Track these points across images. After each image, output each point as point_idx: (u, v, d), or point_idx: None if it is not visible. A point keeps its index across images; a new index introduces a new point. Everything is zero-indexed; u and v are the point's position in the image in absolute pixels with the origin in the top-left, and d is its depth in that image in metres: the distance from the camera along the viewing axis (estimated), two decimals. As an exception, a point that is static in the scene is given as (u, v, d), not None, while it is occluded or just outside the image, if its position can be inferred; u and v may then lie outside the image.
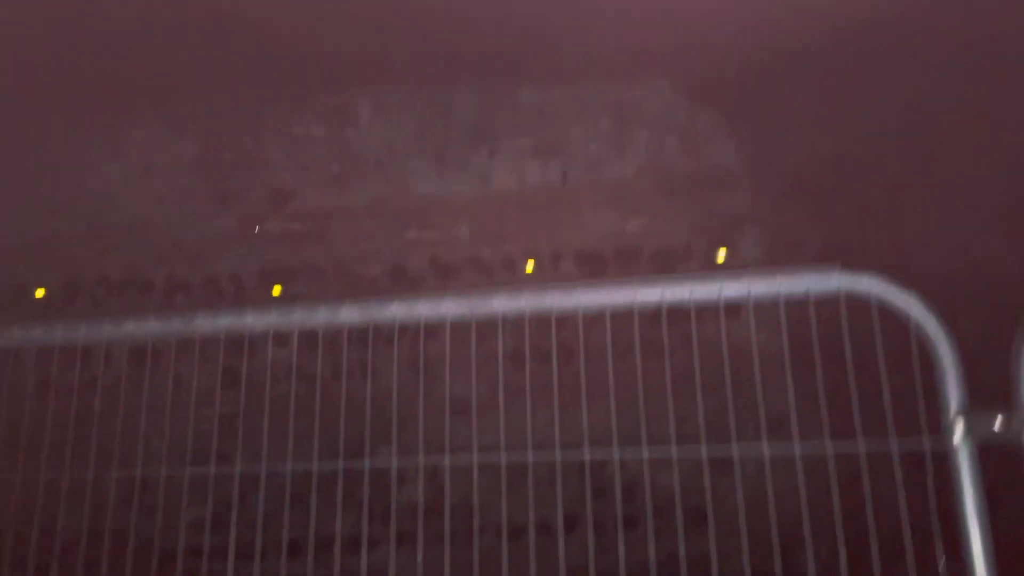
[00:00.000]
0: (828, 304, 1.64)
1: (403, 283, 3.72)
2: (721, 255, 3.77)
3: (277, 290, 3.75)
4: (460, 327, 3.12)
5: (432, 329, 3.32)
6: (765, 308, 2.53)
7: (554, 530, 2.80)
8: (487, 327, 3.32)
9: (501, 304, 1.78)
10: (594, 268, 3.63)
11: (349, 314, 1.89)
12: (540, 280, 3.70)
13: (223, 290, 3.73)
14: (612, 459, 1.84)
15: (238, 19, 3.91)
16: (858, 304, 1.70)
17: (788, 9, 4.05)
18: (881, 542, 1.52)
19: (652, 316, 2.50)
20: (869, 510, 1.54)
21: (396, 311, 1.83)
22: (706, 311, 2.18)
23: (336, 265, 3.81)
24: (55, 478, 2.81)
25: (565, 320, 2.31)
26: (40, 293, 3.62)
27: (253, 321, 1.93)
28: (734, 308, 3.52)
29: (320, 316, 1.90)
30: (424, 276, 3.79)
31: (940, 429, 1.52)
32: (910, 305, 1.57)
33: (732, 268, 3.72)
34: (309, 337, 3.78)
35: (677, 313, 2.19)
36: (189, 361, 3.75)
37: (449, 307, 1.81)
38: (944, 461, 1.53)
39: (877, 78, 4.46)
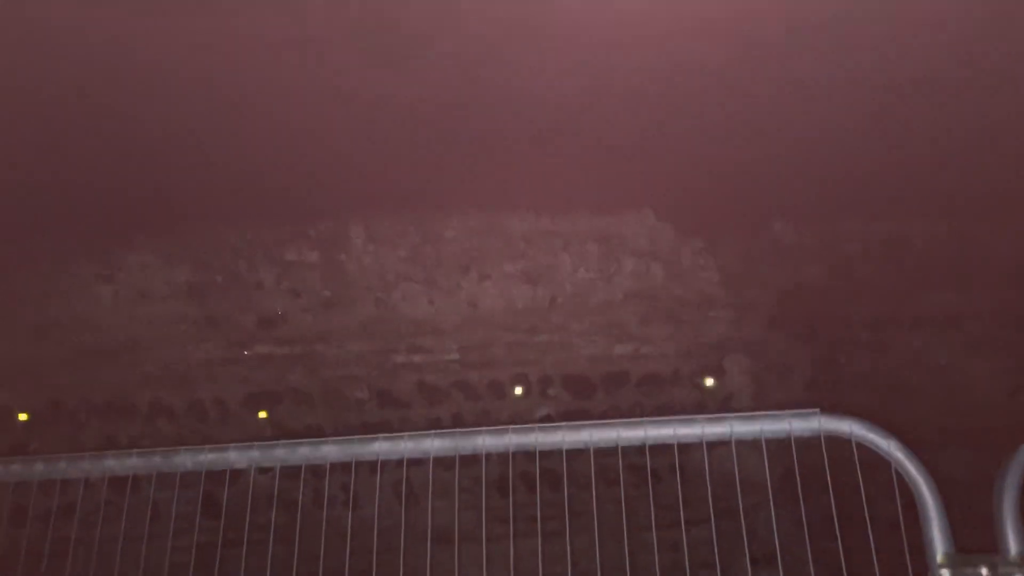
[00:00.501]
0: (810, 444, 1.65)
1: (390, 407, 3.70)
2: (708, 382, 3.78)
3: (263, 415, 3.72)
4: (444, 458, 3.08)
5: (416, 459, 3.28)
6: (749, 442, 2.52)
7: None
8: (471, 457, 3.28)
9: (485, 442, 1.77)
10: (582, 392, 3.63)
11: (331, 450, 1.87)
12: (528, 403, 3.69)
13: (207, 414, 3.69)
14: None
15: (233, 146, 4.06)
16: (839, 442, 1.70)
17: (769, 138, 4.24)
18: None
19: (638, 449, 2.48)
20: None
21: (379, 448, 1.82)
22: (692, 445, 2.17)
23: (323, 389, 3.80)
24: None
25: (550, 453, 2.29)
26: (23, 417, 3.58)
27: (235, 457, 1.90)
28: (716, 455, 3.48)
29: (302, 452, 1.88)
30: (411, 400, 3.78)
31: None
32: (891, 448, 1.57)
33: (718, 395, 3.74)
34: (292, 465, 3.71)
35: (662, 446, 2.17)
36: (169, 488, 3.67)
37: (433, 444, 1.80)
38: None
39: (858, 209, 4.61)
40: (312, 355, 3.85)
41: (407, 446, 1.82)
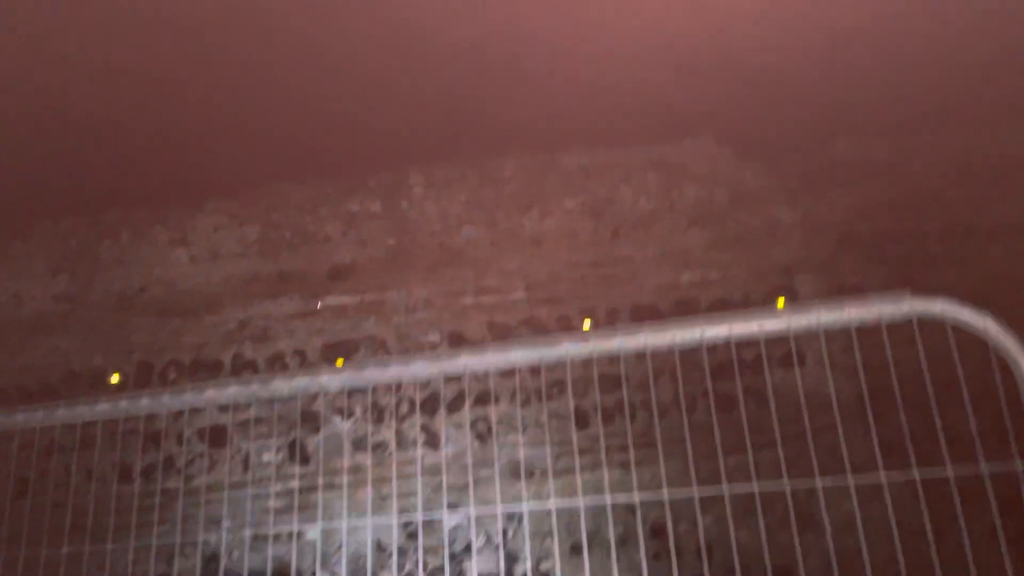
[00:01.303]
0: (901, 331, 1.62)
1: (463, 348, 3.77)
2: (781, 302, 3.73)
3: (340, 363, 3.83)
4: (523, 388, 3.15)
5: (496, 389, 3.35)
6: (833, 353, 2.51)
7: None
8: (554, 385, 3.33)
9: (569, 349, 1.79)
10: (652, 320, 3.63)
11: (420, 368, 1.92)
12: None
13: (288, 365, 3.82)
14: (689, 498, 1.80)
15: (288, 105, 4.14)
16: (931, 330, 1.67)
17: (827, 54, 4.12)
18: (979, 567, 1.46)
19: (722, 364, 2.49)
20: (965, 538, 1.49)
21: (466, 362, 1.87)
22: (773, 359, 2.15)
23: (396, 335, 3.88)
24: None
25: (632, 370, 2.32)
26: (115, 379, 3.75)
27: (327, 381, 1.97)
28: (801, 355, 3.47)
29: (392, 372, 1.94)
30: (483, 340, 3.83)
31: (1031, 451, 1.48)
32: (987, 325, 1.55)
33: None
34: (372, 409, 3.83)
35: (745, 363, 2.16)
36: (258, 437, 3.82)
37: (518, 355, 1.84)
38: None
39: (926, 122, 4.45)
40: (383, 303, 3.94)
41: (492, 360, 1.86)
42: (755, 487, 1.69)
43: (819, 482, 1.66)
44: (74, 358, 3.88)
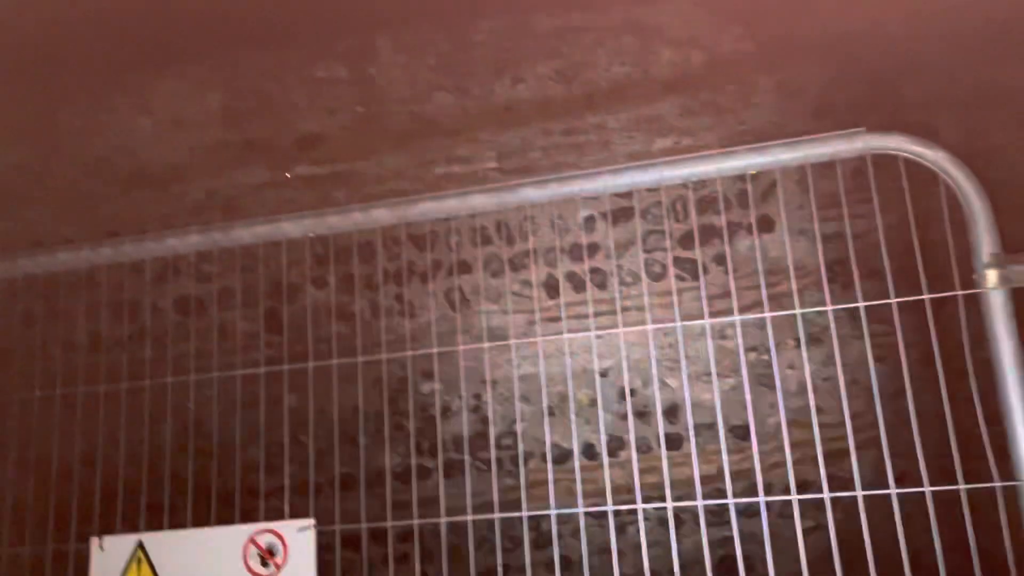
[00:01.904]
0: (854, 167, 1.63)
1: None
2: (753, 171, 3.72)
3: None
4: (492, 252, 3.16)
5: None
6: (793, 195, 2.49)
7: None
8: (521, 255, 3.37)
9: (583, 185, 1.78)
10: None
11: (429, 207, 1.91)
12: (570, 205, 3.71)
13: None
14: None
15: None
16: (884, 164, 1.68)
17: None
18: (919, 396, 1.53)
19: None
20: (905, 365, 1.55)
21: (477, 201, 1.86)
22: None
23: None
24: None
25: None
26: (85, 249, 3.71)
27: (290, 228, 1.97)
28: (767, 221, 3.50)
29: (355, 217, 1.93)
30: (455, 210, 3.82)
31: (972, 284, 1.52)
32: (939, 159, 1.55)
33: (763, 182, 3.68)
34: (346, 280, 3.85)
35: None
36: (231, 309, 3.85)
37: (529, 192, 1.83)
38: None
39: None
40: (353, 172, 3.89)
41: (480, 201, 1.85)
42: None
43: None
44: (40, 229, 3.85)
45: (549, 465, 3.22)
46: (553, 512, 3.02)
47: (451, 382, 3.66)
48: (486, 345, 3.63)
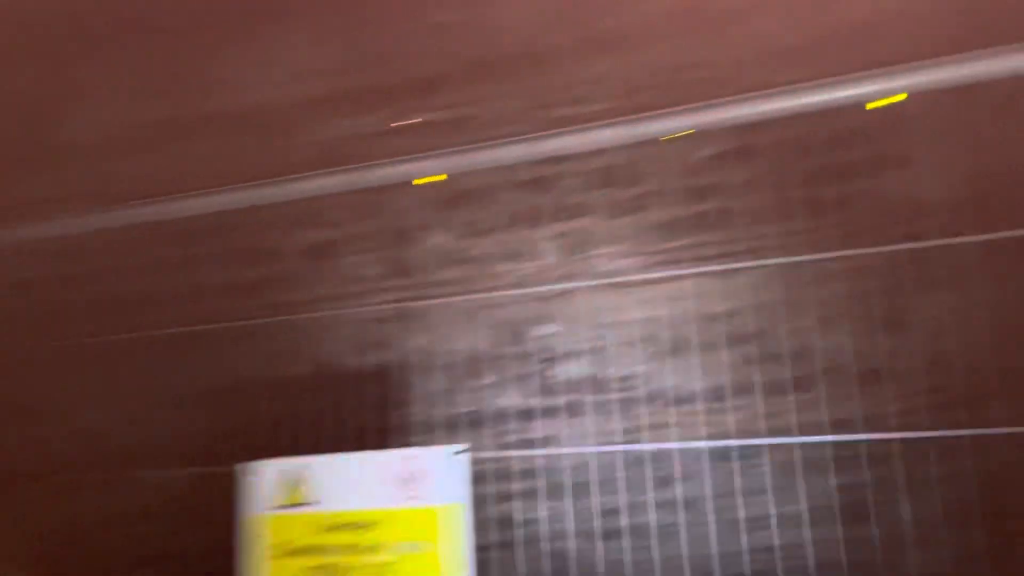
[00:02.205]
0: None
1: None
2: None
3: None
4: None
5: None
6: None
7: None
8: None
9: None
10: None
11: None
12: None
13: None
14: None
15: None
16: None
17: None
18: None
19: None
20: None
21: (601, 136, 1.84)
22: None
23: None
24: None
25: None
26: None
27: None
28: (902, 157, 3.30)
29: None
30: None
31: None
32: None
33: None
34: (467, 223, 3.87)
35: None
36: (357, 254, 3.97)
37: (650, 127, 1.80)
38: None
39: None
40: (467, 118, 3.92)
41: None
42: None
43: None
44: (169, 178, 4.07)
45: (671, 405, 3.24)
46: (676, 446, 3.04)
47: (570, 324, 3.68)
48: (604, 283, 3.63)
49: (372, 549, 2.59)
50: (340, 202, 3.90)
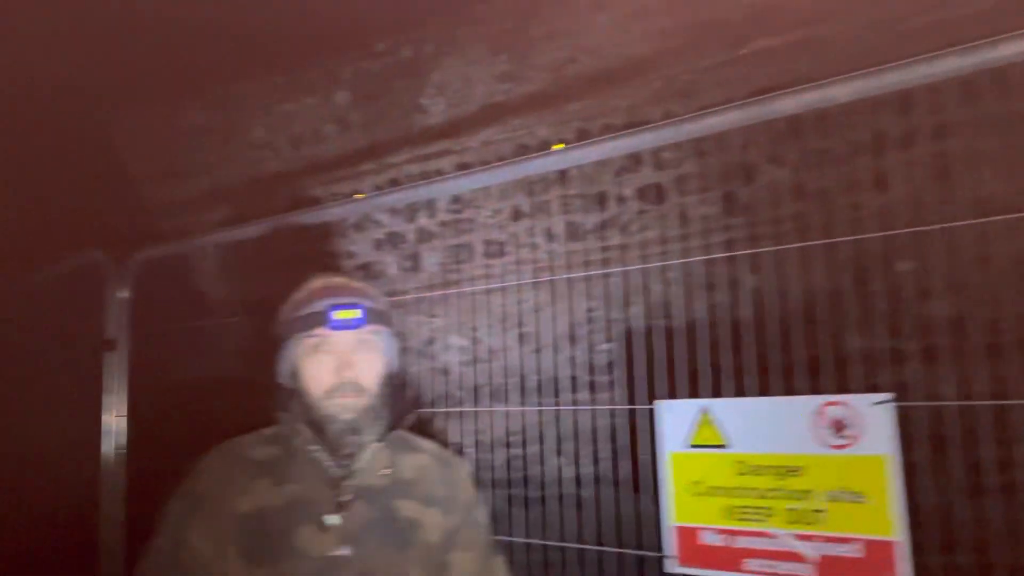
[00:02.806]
0: None
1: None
2: None
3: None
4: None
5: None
6: None
7: None
8: None
9: None
10: None
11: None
12: None
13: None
14: None
15: None
16: None
17: None
18: None
19: None
20: None
21: None
22: None
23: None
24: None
25: None
26: (559, 147, 4.06)
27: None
28: None
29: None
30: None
31: None
32: None
33: None
34: (806, 156, 3.63)
35: None
36: (689, 194, 3.93)
37: None
38: None
39: None
40: (814, 40, 3.65)
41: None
42: None
43: None
44: (522, 132, 4.33)
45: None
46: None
47: (928, 261, 3.32)
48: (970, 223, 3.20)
49: (800, 495, 2.54)
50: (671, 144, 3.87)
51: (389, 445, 2.16)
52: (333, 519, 1.96)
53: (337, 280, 2.18)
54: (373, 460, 2.10)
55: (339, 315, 2.00)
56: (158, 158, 5.86)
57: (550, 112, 4.27)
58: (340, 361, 2.01)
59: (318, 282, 2.18)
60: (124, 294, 4.41)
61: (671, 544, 2.85)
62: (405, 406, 2.23)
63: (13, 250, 5.40)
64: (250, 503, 1.98)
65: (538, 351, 4.25)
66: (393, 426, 2.17)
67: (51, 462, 4.83)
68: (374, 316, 2.11)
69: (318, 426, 2.03)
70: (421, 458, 2.21)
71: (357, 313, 2.03)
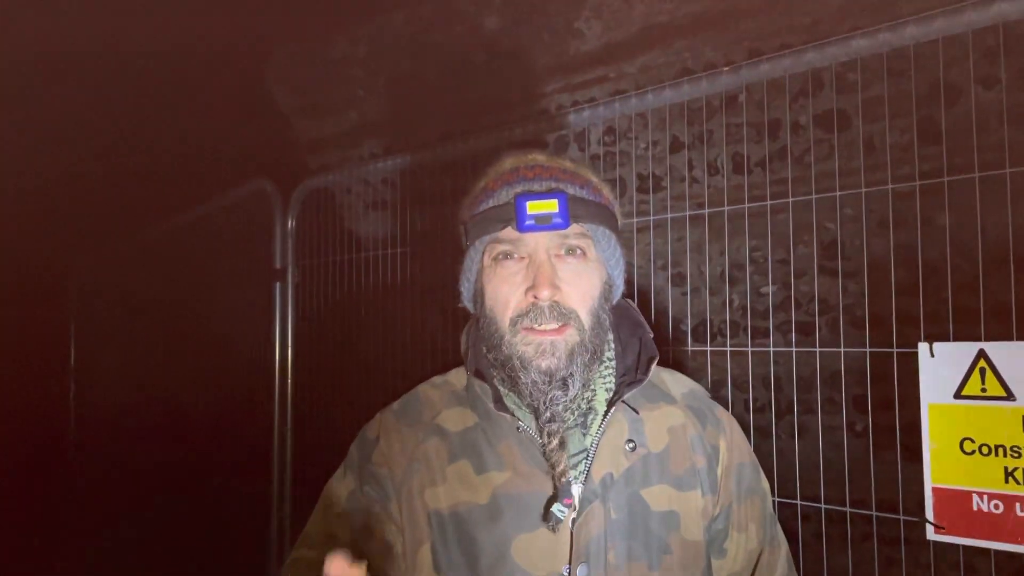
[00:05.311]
0: None
1: None
2: None
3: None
4: None
5: None
6: None
7: None
8: None
9: None
10: None
11: None
12: None
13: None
14: None
15: None
16: None
17: None
18: None
19: None
20: None
21: None
22: None
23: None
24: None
25: None
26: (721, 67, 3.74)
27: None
28: None
29: None
30: None
31: None
32: None
33: None
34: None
35: None
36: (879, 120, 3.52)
37: None
38: None
39: None
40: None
41: None
42: None
43: None
44: (688, 55, 4.03)
45: None
46: None
47: None
48: None
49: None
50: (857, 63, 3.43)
51: (625, 405, 1.53)
52: (555, 524, 1.39)
53: (535, 157, 1.56)
54: (602, 432, 1.47)
55: (532, 207, 1.38)
56: (311, 92, 5.97)
57: (718, 32, 3.93)
58: (535, 276, 1.40)
59: (507, 162, 1.58)
60: (290, 224, 4.57)
61: (934, 509, 2.44)
62: (642, 347, 1.57)
63: (189, 181, 5.74)
64: (445, 500, 1.46)
65: (760, 291, 3.91)
66: (626, 378, 1.52)
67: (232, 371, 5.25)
68: (584, 210, 1.44)
69: (511, 376, 1.45)
70: (672, 415, 1.57)
71: (554, 206, 1.39)
